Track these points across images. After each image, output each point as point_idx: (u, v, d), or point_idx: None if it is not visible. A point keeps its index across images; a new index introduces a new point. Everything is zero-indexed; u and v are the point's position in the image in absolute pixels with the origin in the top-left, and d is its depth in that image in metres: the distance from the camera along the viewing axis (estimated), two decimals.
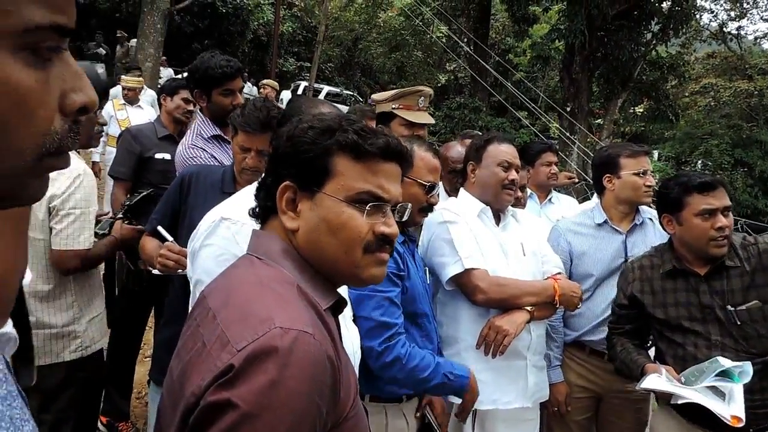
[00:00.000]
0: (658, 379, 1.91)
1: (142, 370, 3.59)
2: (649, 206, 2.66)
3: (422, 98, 2.63)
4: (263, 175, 1.08)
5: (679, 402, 1.88)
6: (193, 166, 2.40)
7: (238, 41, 20.71)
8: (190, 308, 1.58)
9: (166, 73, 11.51)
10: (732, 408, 1.72)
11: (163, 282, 2.27)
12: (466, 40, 19.91)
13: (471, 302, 2.15)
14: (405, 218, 1.11)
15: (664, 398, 2.01)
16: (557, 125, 17.55)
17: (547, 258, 2.37)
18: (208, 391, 0.78)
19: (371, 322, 1.78)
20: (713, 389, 1.82)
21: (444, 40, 22.16)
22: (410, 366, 1.80)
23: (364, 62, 27.70)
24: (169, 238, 2.01)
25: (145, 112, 5.89)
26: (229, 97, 2.54)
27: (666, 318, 2.11)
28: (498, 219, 2.34)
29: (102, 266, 2.51)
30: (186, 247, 1.76)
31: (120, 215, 2.54)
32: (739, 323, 1.97)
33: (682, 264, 2.10)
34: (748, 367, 1.81)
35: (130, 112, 5.89)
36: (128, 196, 3.25)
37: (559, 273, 2.33)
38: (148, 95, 6.73)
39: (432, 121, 2.72)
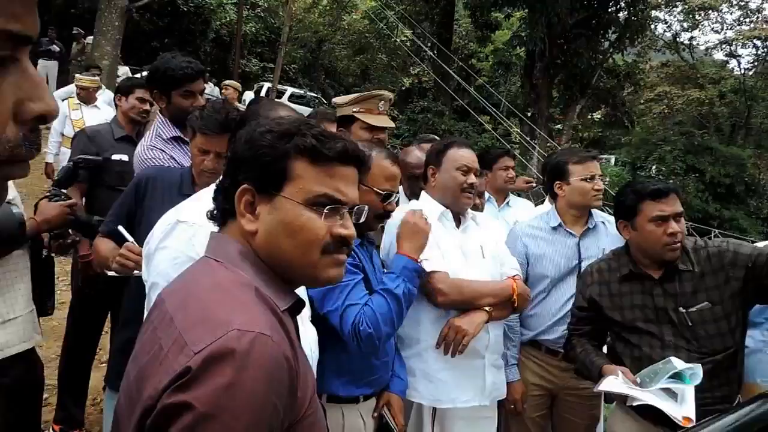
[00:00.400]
0: (614, 382, 1.97)
1: (97, 375, 3.51)
2: (602, 210, 2.74)
3: (382, 102, 2.66)
4: (221, 177, 1.08)
5: (634, 404, 1.95)
6: (150, 168, 2.36)
7: (200, 40, 20.37)
8: (146, 311, 1.57)
9: (122, 71, 11.21)
10: (683, 409, 1.80)
11: (119, 285, 2.23)
12: (429, 44, 20.12)
13: (432, 304, 2.18)
14: (362, 220, 1.14)
15: (620, 400, 2.07)
16: (518, 130, 17.92)
17: (505, 260, 2.42)
18: (166, 393, 0.78)
19: (337, 311, 1.80)
20: (666, 390, 1.89)
21: (408, 44, 22.31)
22: (381, 320, 1.79)
23: (329, 64, 27.64)
24: (130, 238, 1.98)
25: (102, 113, 5.71)
26: (189, 98, 2.51)
27: (622, 320, 2.18)
28: (458, 222, 2.39)
29: (26, 266, 2.30)
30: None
31: (47, 194, 2.40)
32: (690, 324, 2.05)
33: (638, 268, 2.17)
34: (698, 370, 1.88)
35: (85, 112, 5.72)
36: (83, 199, 3.17)
37: (517, 275, 2.39)
38: (106, 95, 6.55)
39: (392, 124, 2.75)
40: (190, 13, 19.30)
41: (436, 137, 3.70)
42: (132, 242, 1.96)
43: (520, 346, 2.64)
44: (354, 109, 2.63)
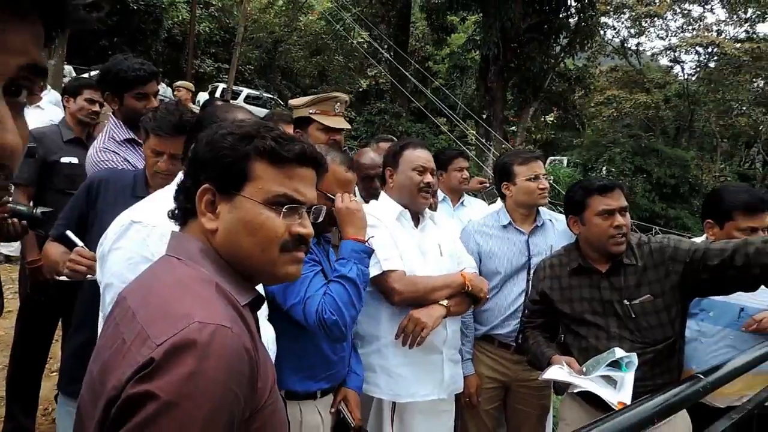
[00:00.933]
0: (558, 370, 2.07)
1: (48, 385, 3.41)
2: (554, 208, 2.86)
3: (338, 104, 2.70)
4: (182, 178, 1.10)
5: (576, 391, 2.05)
6: (101, 171, 2.33)
7: (151, 40, 19.90)
8: (101, 312, 1.56)
9: (66, 70, 10.82)
10: (620, 395, 1.90)
11: (70, 291, 2.19)
12: (386, 46, 20.23)
13: (389, 303, 2.24)
14: (320, 220, 1.18)
15: (563, 387, 2.17)
16: (474, 132, 18.23)
17: (462, 259, 2.50)
18: (129, 384, 0.80)
19: (300, 304, 1.82)
20: (607, 378, 2.00)
21: (365, 46, 22.40)
22: (342, 305, 1.82)
23: (285, 65, 27.42)
24: (80, 243, 1.95)
25: (46, 113, 5.51)
26: (142, 100, 2.48)
27: (572, 312, 2.28)
28: (417, 221, 2.45)
29: None
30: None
31: None
32: (633, 316, 2.15)
33: (587, 262, 2.28)
34: (634, 359, 1.99)
35: (27, 112, 5.52)
36: (31, 202, 3.08)
37: (474, 272, 2.47)
38: (51, 95, 6.34)
39: (348, 126, 2.79)
40: (140, 12, 18.83)
41: (394, 138, 3.76)
42: (82, 246, 1.93)
43: (474, 341, 2.73)
44: (310, 111, 2.66)
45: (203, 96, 15.96)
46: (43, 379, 3.26)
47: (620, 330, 2.17)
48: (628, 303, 2.16)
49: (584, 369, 2.08)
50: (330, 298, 1.82)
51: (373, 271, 2.19)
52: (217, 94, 17.83)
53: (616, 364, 1.99)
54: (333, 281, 1.87)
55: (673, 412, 1.24)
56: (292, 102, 2.88)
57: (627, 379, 1.93)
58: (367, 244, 1.99)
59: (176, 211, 1.11)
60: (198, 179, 1.05)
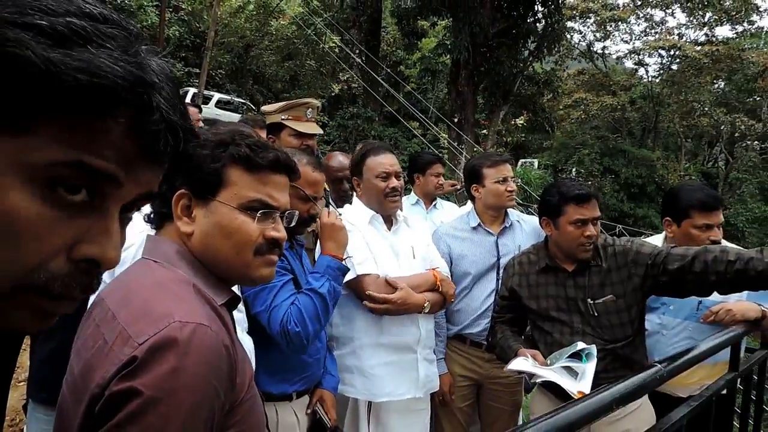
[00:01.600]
0: (523, 362, 2.14)
1: (15, 395, 3.35)
2: (524, 210, 2.93)
3: (310, 110, 2.73)
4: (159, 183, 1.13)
5: (538, 381, 2.13)
6: None
7: None
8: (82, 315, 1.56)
9: None
10: (580, 385, 1.97)
11: None
12: (357, 51, 20.29)
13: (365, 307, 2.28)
14: (293, 224, 1.21)
15: (531, 386, 2.24)
16: (446, 136, 18.37)
17: (435, 262, 2.55)
18: (113, 381, 0.83)
19: (266, 312, 1.85)
20: (569, 370, 2.07)
21: (336, 51, 22.40)
22: (308, 318, 1.84)
23: (257, 70, 27.22)
24: None
25: None
26: None
27: (538, 308, 2.36)
28: (390, 224, 2.49)
29: None
30: None
31: None
32: (596, 314, 2.24)
33: (554, 262, 2.36)
34: (593, 350, 2.07)
35: None
36: None
37: (447, 276, 2.52)
38: None
39: (320, 131, 2.82)
40: None
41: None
42: None
43: (446, 341, 2.78)
44: (282, 117, 2.68)
45: None
46: (10, 389, 3.20)
47: (583, 326, 2.25)
48: (591, 302, 2.25)
49: (548, 361, 2.16)
50: (297, 309, 1.84)
51: (348, 276, 2.23)
52: (188, 99, 17.61)
53: (577, 356, 2.07)
54: (303, 293, 1.90)
55: (631, 399, 1.30)
56: (265, 108, 2.90)
57: (587, 369, 2.01)
58: (344, 262, 2.02)
59: (152, 215, 1.13)
60: (174, 184, 1.07)
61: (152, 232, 1.15)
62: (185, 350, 0.85)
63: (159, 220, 1.12)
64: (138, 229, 1.57)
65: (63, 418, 0.95)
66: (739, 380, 2.23)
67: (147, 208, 1.10)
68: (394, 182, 2.40)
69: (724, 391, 2.11)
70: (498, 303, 2.57)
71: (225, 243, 1.07)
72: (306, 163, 2.07)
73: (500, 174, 2.79)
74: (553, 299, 2.33)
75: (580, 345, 2.09)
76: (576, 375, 2.02)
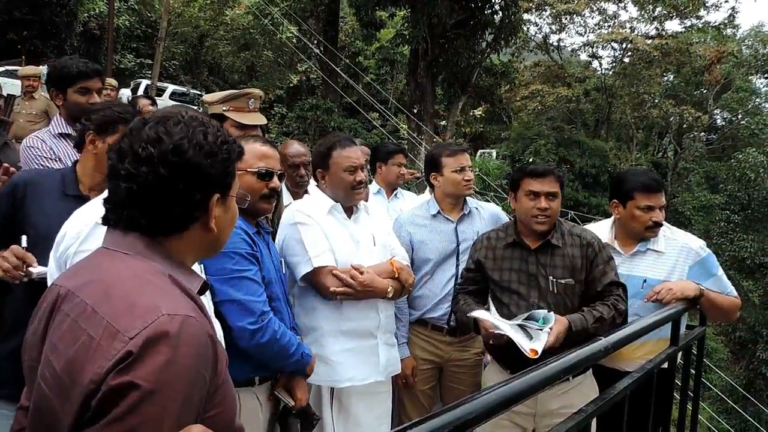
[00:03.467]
0: (485, 312, 2.30)
1: None
2: (483, 198, 3.02)
3: (252, 100, 2.70)
4: (162, 192, 1.03)
5: (491, 341, 2.28)
6: (23, 173, 2.30)
7: (65, 34, 18.75)
8: None
9: None
10: (534, 344, 2.11)
11: None
12: (316, 42, 20.14)
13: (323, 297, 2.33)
14: (245, 206, 1.32)
15: (487, 335, 2.34)
16: (406, 126, 18.49)
17: (396, 251, 2.61)
18: (109, 376, 0.86)
19: (235, 303, 1.89)
20: (525, 331, 2.19)
21: (294, 41, 22.16)
22: (282, 343, 1.97)
23: (212, 61, 26.66)
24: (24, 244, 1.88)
25: None
26: (84, 95, 2.56)
27: (500, 280, 2.50)
28: (350, 212, 2.53)
29: None
30: (29, 253, 1.73)
31: None
32: (555, 292, 2.40)
33: (519, 237, 2.50)
34: (551, 316, 2.22)
35: None
36: None
37: (406, 265, 2.58)
38: None
39: (264, 121, 2.79)
40: (52, 4, 17.70)
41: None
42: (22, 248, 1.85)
43: (408, 325, 2.86)
44: (224, 108, 2.65)
45: (125, 93, 15.30)
46: None
47: (539, 301, 2.41)
48: (553, 279, 2.40)
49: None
50: (279, 327, 1.99)
51: (305, 268, 2.28)
52: (140, 91, 17.15)
53: (532, 318, 2.22)
54: (290, 332, 2.06)
55: (577, 369, 1.39)
56: (206, 98, 2.86)
57: (542, 335, 2.14)
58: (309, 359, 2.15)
59: (163, 223, 1.07)
60: (208, 189, 1.07)
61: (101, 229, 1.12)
62: (177, 342, 0.90)
63: (171, 227, 1.08)
64: (82, 222, 1.57)
65: (42, 416, 0.96)
66: (679, 355, 2.39)
67: (101, 210, 1.09)
68: (360, 175, 2.45)
69: (666, 365, 2.25)
70: (463, 275, 2.69)
71: (229, 230, 1.18)
72: (252, 141, 2.12)
73: (458, 163, 2.87)
74: (516, 273, 2.48)
75: (539, 312, 2.21)
76: (531, 337, 2.13)
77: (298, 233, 2.34)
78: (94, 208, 1.58)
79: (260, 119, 2.72)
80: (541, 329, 2.12)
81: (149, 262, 1.04)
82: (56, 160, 2.52)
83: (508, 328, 2.17)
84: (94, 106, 2.29)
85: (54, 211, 1.75)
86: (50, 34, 17.97)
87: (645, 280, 2.60)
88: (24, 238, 1.91)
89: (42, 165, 2.51)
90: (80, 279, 1.04)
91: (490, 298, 2.57)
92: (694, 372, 2.77)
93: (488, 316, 2.28)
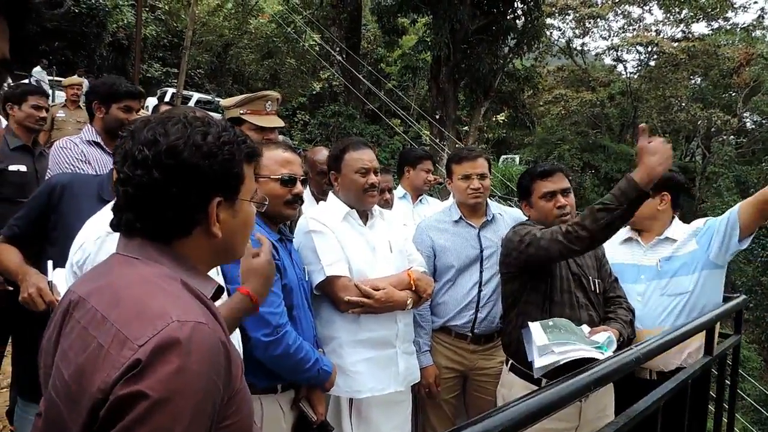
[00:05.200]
0: (548, 357, 2.08)
1: None
2: (506, 203, 2.99)
3: (269, 102, 2.70)
4: (156, 195, 1.01)
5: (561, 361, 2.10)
6: (63, 175, 2.38)
7: (95, 44, 19.23)
8: None
9: None
10: (608, 353, 2.02)
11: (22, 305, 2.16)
12: (338, 49, 20.24)
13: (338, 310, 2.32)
14: (262, 209, 1.30)
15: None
16: (428, 132, 18.44)
17: (413, 257, 2.58)
18: (117, 385, 0.84)
19: (268, 327, 1.89)
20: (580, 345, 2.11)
21: (317, 49, 22.32)
22: (296, 358, 1.94)
23: (236, 69, 27.02)
24: (50, 277, 1.93)
25: None
26: (126, 113, 2.72)
27: (559, 277, 2.40)
28: (366, 219, 2.50)
29: None
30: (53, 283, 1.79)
31: None
32: (597, 292, 2.38)
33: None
34: (612, 337, 2.13)
35: None
36: None
37: (424, 271, 2.55)
38: None
39: (281, 124, 2.78)
40: (82, 15, 18.16)
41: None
42: (53, 283, 1.92)
43: (431, 333, 2.81)
44: (241, 111, 2.66)
45: (152, 101, 15.56)
46: None
47: (586, 300, 2.38)
48: (592, 279, 2.39)
49: (549, 331, 2.17)
50: (294, 341, 1.95)
51: (318, 277, 2.26)
52: (167, 99, 17.42)
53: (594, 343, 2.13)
54: (307, 344, 2.02)
55: (608, 381, 1.35)
56: (223, 102, 2.88)
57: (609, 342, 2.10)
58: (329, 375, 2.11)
59: (159, 227, 1.04)
60: (207, 192, 1.04)
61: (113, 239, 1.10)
62: (187, 350, 0.86)
63: (171, 232, 1.05)
64: (94, 236, 1.58)
65: (52, 425, 0.94)
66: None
67: (110, 215, 1.07)
68: (372, 178, 2.42)
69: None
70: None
71: (244, 235, 1.13)
72: (274, 147, 2.11)
73: (463, 171, 2.82)
74: (565, 269, 2.43)
75: (602, 335, 2.15)
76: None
77: (311, 242, 2.32)
78: (106, 220, 1.58)
79: (277, 122, 2.73)
80: (602, 353, 2.01)
81: (160, 266, 1.01)
82: (86, 163, 2.64)
83: (573, 352, 2.05)
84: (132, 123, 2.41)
85: (89, 215, 1.77)
86: (80, 44, 18.43)
87: (659, 261, 2.65)
88: (50, 263, 1.96)
89: (72, 165, 2.62)
90: (92, 285, 1.02)
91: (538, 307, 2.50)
92: (729, 382, 2.67)
93: (553, 359, 2.09)
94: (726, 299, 2.62)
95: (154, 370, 0.84)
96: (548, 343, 2.09)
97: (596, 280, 2.39)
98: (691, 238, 2.68)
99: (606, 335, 2.13)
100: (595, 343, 2.10)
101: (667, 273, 2.64)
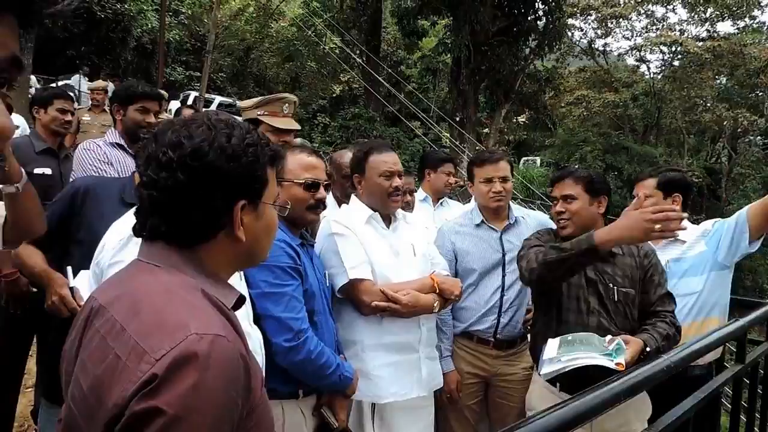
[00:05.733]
0: (555, 364, 2.08)
1: (23, 401, 3.35)
2: (527, 205, 2.95)
3: (287, 105, 2.71)
4: (182, 198, 0.99)
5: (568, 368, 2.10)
6: (87, 178, 2.42)
7: (120, 48, 19.58)
8: None
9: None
10: (617, 359, 1.98)
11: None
12: (358, 52, 20.31)
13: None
14: (285, 214, 1.29)
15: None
16: (448, 134, 18.39)
17: (436, 260, 2.55)
18: (133, 401, 0.81)
19: (273, 319, 1.87)
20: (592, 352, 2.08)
21: (337, 52, 22.42)
22: (318, 364, 1.92)
23: (257, 72, 27.27)
24: (72, 282, 1.96)
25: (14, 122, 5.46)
26: (143, 114, 2.76)
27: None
28: (389, 222, 2.48)
29: None
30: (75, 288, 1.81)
31: None
32: (616, 300, 2.31)
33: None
34: (621, 344, 2.07)
35: None
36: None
37: (447, 275, 2.52)
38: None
39: (297, 126, 2.79)
40: (108, 20, 18.49)
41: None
42: (75, 288, 1.95)
43: (453, 338, 2.78)
44: (258, 113, 2.67)
45: (175, 104, 15.77)
46: (19, 395, 3.21)
47: (600, 307, 2.31)
48: (613, 287, 2.31)
49: (569, 337, 2.19)
50: (315, 347, 1.93)
51: (341, 280, 2.24)
52: (189, 102, 17.64)
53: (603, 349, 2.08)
54: (329, 350, 2.00)
55: (639, 391, 1.30)
56: (241, 104, 2.91)
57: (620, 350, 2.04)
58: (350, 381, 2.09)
59: (183, 231, 1.02)
60: (231, 195, 1.02)
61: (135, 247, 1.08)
62: (205, 365, 0.83)
63: (196, 236, 1.03)
64: (117, 238, 1.59)
65: None
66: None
67: (132, 219, 1.06)
68: (397, 181, 2.39)
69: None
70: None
71: (268, 239, 1.11)
72: (299, 151, 2.11)
73: (485, 174, 2.79)
74: (575, 276, 2.37)
75: (613, 342, 2.10)
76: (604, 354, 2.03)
77: (334, 244, 2.29)
78: (130, 222, 1.59)
79: (294, 124, 2.75)
80: (612, 361, 1.97)
81: (181, 275, 0.99)
82: (109, 164, 2.70)
83: (582, 359, 2.04)
84: (150, 125, 2.45)
85: (112, 218, 1.79)
86: (106, 49, 18.78)
87: (668, 261, 2.68)
88: (69, 269, 1.99)
89: (95, 167, 2.68)
90: (112, 293, 1.00)
91: (548, 311, 2.46)
92: (761, 391, 2.59)
93: (559, 366, 2.09)
94: (756, 305, 2.58)
95: (171, 386, 0.81)
96: (556, 355, 2.12)
97: (621, 289, 2.31)
98: (699, 240, 2.72)
99: (615, 342, 2.09)
100: (606, 351, 2.06)
101: (676, 274, 2.67)
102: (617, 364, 1.96)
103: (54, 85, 10.68)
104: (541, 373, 2.18)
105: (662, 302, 2.33)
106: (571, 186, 2.39)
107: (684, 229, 2.14)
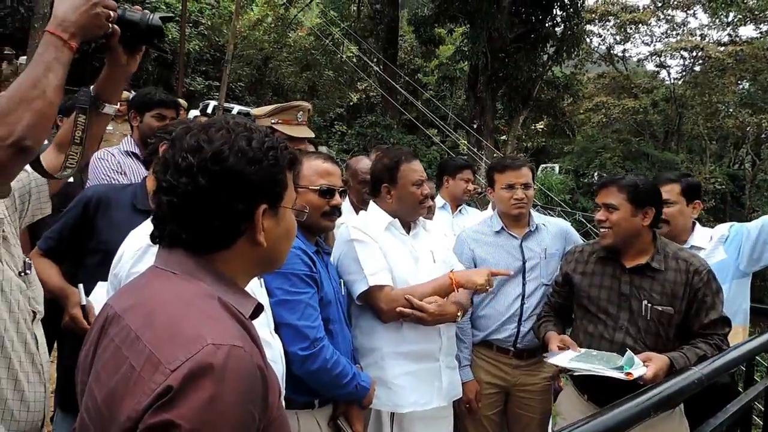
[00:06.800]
0: (563, 357, 2.14)
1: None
2: (547, 213, 2.90)
3: (301, 113, 2.72)
4: (203, 204, 0.97)
5: (575, 373, 2.12)
6: (98, 186, 2.41)
7: (141, 59, 19.90)
8: None
9: None
10: (630, 370, 1.95)
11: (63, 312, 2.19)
12: (375, 60, 20.39)
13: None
14: (302, 218, 1.24)
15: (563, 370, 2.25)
16: (465, 142, 18.32)
17: (456, 268, 2.50)
18: (147, 413, 0.79)
19: (289, 327, 1.84)
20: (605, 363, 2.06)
21: (354, 60, 22.52)
22: (333, 373, 1.90)
23: (275, 81, 27.50)
24: (84, 299, 1.97)
25: None
26: (159, 121, 2.80)
27: (588, 294, 2.37)
28: (408, 228, 2.46)
29: None
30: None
31: None
32: (648, 318, 2.21)
33: (610, 254, 2.37)
34: (635, 361, 2.02)
35: None
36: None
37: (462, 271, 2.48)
38: None
39: (311, 134, 2.80)
40: None
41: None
42: (88, 305, 1.96)
43: (472, 347, 2.72)
44: (272, 121, 2.69)
45: (194, 113, 15.98)
46: None
47: (629, 324, 2.24)
48: (648, 304, 2.22)
49: (581, 351, 2.19)
50: (331, 356, 1.91)
51: (360, 287, 2.21)
52: (209, 111, 17.85)
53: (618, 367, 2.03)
54: (345, 360, 1.98)
55: (670, 405, 1.25)
56: (254, 112, 2.93)
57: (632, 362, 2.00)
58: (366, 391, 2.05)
59: (204, 238, 0.99)
60: (253, 199, 1.00)
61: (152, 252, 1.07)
62: (221, 377, 0.81)
63: (218, 244, 1.00)
64: (135, 247, 1.57)
65: None
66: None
67: (149, 228, 1.04)
68: (426, 189, 2.41)
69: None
70: (552, 287, 2.63)
71: (287, 244, 1.09)
72: (314, 157, 2.10)
73: (507, 180, 2.74)
74: (606, 290, 2.34)
75: (624, 356, 2.06)
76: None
77: (354, 251, 2.27)
78: (147, 232, 1.57)
79: (307, 132, 2.76)
80: (622, 372, 1.93)
81: (198, 283, 0.96)
82: (122, 174, 2.72)
83: (589, 367, 2.02)
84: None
85: (124, 225, 1.78)
86: None
87: None
88: (81, 286, 1.99)
89: (109, 176, 2.69)
90: (128, 301, 0.98)
91: (574, 314, 2.45)
92: None
93: (565, 362, 2.11)
94: None
95: (186, 398, 0.79)
96: (565, 365, 2.13)
97: (657, 307, 2.20)
98: (718, 246, 2.64)
99: (627, 355, 2.04)
100: (617, 364, 2.03)
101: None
102: (627, 374, 1.92)
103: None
104: (548, 360, 2.23)
105: (713, 326, 2.16)
106: (614, 194, 2.29)
107: None
